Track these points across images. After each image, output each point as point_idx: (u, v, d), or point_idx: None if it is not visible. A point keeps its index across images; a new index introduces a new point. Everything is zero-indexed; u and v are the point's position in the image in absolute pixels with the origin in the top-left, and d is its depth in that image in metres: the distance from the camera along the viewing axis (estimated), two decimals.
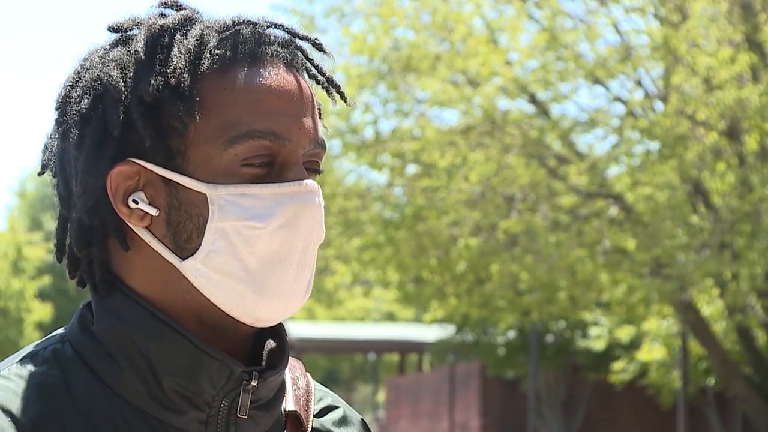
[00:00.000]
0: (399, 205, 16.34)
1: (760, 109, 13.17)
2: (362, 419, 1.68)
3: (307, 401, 1.60)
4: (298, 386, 1.61)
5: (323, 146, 1.53)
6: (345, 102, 1.58)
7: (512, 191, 14.99)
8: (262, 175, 1.47)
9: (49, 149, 1.53)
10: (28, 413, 1.45)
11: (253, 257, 1.46)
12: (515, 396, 26.74)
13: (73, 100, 1.49)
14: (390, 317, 47.52)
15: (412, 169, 16.12)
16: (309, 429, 1.58)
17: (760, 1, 13.94)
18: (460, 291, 17.10)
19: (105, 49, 1.51)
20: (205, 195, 1.45)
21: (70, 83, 1.51)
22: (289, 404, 1.58)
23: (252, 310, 1.47)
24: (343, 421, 1.64)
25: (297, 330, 35.41)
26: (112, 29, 1.53)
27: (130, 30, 1.52)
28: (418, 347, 35.97)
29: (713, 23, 13.69)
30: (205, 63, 1.46)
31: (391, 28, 15.22)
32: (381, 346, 38.43)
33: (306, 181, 1.48)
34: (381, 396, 47.63)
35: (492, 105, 14.70)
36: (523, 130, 14.80)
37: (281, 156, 1.48)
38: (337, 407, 1.65)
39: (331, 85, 1.58)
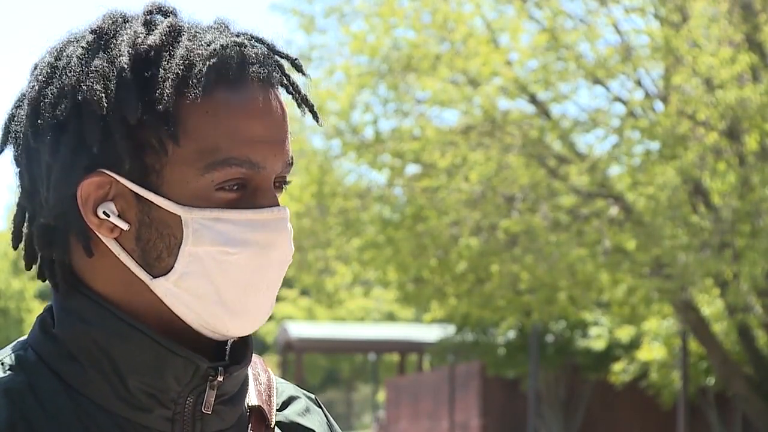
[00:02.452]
0: (399, 205, 16.34)
1: (761, 109, 13.17)
2: (315, 398, 1.70)
3: (269, 395, 1.61)
4: (260, 381, 1.62)
5: (292, 164, 1.53)
6: (318, 122, 1.58)
7: (512, 191, 14.99)
8: (235, 199, 1.47)
9: (14, 134, 1.51)
10: None
11: (225, 281, 1.47)
12: (515, 396, 26.74)
13: (48, 99, 1.47)
14: (390, 317, 47.52)
15: (412, 169, 16.12)
16: (273, 422, 1.60)
17: (760, 1, 13.94)
18: (460, 291, 17.10)
19: (83, 48, 1.48)
20: (179, 217, 1.45)
21: (45, 78, 1.48)
22: (252, 399, 1.59)
23: (221, 329, 1.49)
24: (307, 411, 1.66)
25: (297, 330, 35.42)
26: (93, 33, 1.49)
27: (111, 27, 1.49)
28: (418, 347, 35.97)
29: (713, 23, 13.69)
30: (192, 90, 1.45)
31: (391, 28, 15.22)
32: (381, 346, 38.44)
33: (278, 207, 1.49)
34: (381, 396, 47.61)
35: (492, 105, 14.70)
36: (523, 130, 14.80)
37: (254, 181, 1.48)
38: (298, 397, 1.66)
39: (305, 105, 1.57)
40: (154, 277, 1.47)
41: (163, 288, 1.47)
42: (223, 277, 1.46)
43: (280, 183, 1.53)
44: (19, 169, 1.51)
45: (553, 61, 14.57)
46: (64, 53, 1.49)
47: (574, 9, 15.28)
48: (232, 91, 1.47)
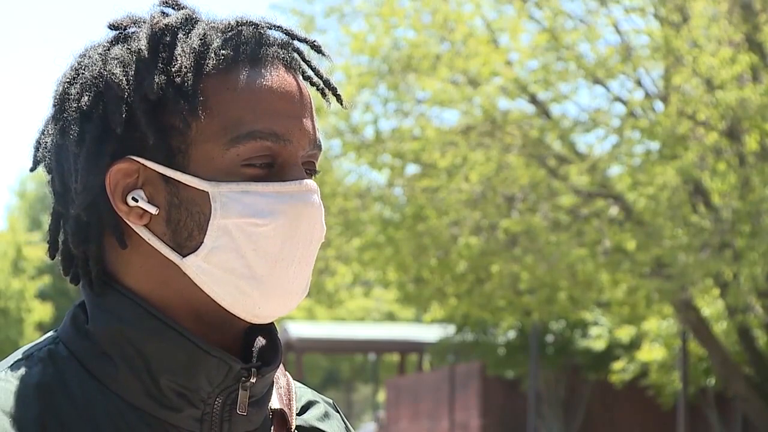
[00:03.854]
0: (399, 205, 16.33)
1: (761, 109, 13.17)
2: (333, 402, 1.70)
3: (289, 399, 1.62)
4: (280, 385, 1.63)
5: (320, 147, 1.54)
6: (342, 105, 1.59)
7: (512, 191, 14.99)
8: (263, 175, 1.48)
9: (43, 145, 1.53)
10: (28, 413, 1.45)
11: (254, 254, 1.47)
12: (515, 396, 26.74)
13: (72, 96, 1.49)
14: (390, 317, 47.52)
15: (412, 169, 16.12)
16: (293, 426, 1.60)
17: (760, 1, 13.94)
18: (460, 291, 17.11)
19: (104, 46, 1.51)
20: (207, 193, 1.46)
21: (68, 80, 1.51)
22: (273, 402, 1.59)
23: (252, 307, 1.48)
24: (326, 416, 1.66)
25: (297, 330, 35.40)
26: (112, 27, 1.53)
27: (129, 28, 1.52)
28: (418, 347, 35.97)
29: (713, 23, 13.70)
30: (210, 63, 1.47)
31: (391, 28, 15.22)
32: (381, 346, 38.43)
33: (306, 180, 1.49)
34: (381, 396, 47.62)
35: (492, 105, 14.70)
36: (523, 130, 14.80)
37: (281, 157, 1.49)
38: (316, 402, 1.67)
39: (327, 87, 1.58)
40: (184, 257, 1.47)
41: (194, 266, 1.47)
42: (252, 250, 1.47)
43: (311, 170, 1.53)
44: (50, 176, 1.53)
45: (553, 61, 14.58)
46: (87, 54, 1.52)
47: (574, 9, 15.30)
48: (251, 69, 1.49)
